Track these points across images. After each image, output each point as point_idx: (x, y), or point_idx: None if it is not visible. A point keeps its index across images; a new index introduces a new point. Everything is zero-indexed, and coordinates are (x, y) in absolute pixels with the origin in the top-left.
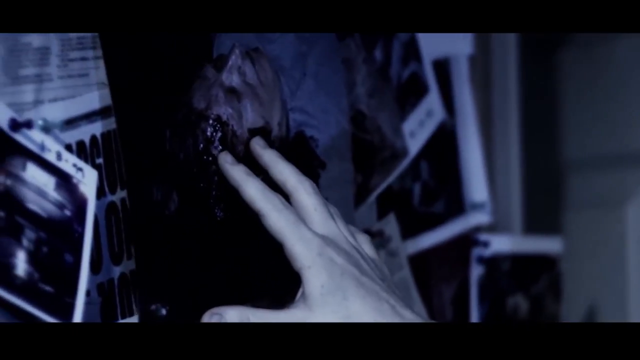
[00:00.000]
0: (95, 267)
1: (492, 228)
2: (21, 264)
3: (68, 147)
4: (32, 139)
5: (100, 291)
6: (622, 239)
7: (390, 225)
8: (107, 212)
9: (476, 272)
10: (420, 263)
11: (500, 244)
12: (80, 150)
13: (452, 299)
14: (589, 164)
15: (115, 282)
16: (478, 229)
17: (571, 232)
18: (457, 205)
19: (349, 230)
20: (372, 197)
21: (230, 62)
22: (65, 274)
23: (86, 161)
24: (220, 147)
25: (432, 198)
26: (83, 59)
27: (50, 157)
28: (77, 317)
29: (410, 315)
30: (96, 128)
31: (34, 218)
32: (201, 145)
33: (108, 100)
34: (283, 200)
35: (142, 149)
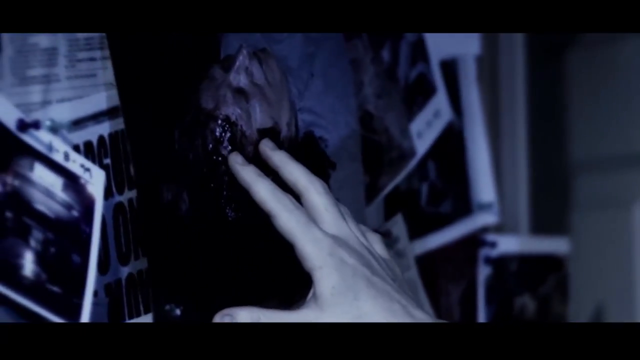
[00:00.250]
0: (102, 268)
1: (499, 228)
2: (29, 265)
3: (76, 148)
4: (39, 139)
5: (108, 292)
6: (629, 240)
7: (398, 226)
8: (115, 213)
9: (483, 272)
10: (428, 263)
11: (508, 244)
12: (88, 150)
13: (460, 299)
14: (597, 164)
15: (123, 282)
16: (485, 229)
17: (578, 233)
18: (464, 205)
19: (360, 230)
20: (380, 197)
21: (237, 63)
22: (72, 275)
23: (94, 162)
24: (230, 148)
25: (440, 198)
26: (91, 59)
27: (58, 157)
28: (85, 317)
29: (421, 315)
30: (104, 128)
31: (41, 218)
32: (210, 146)
33: (115, 101)
34: (294, 200)
35: (151, 150)
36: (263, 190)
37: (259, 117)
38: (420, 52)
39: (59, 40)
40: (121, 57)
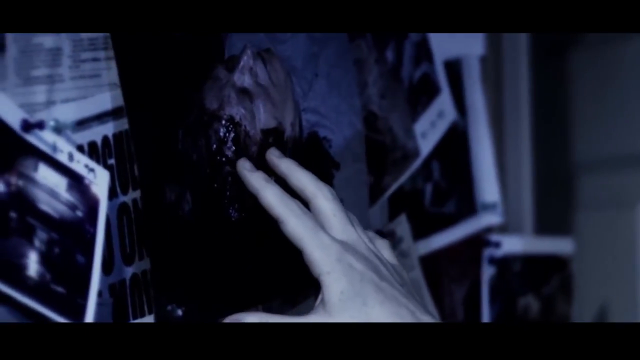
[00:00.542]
0: (107, 268)
1: (503, 228)
2: (33, 265)
3: (80, 148)
4: (44, 139)
5: (112, 292)
6: (633, 240)
7: (402, 226)
8: (119, 213)
9: (487, 272)
10: (432, 263)
11: (512, 244)
12: (92, 151)
13: (463, 299)
14: (600, 164)
15: (127, 282)
16: (489, 229)
17: (582, 233)
18: (468, 205)
19: (367, 236)
20: (384, 197)
21: (241, 63)
22: (77, 275)
23: (98, 162)
24: (233, 148)
25: (444, 199)
26: (95, 59)
27: (62, 157)
28: (89, 317)
29: (429, 320)
30: (108, 129)
31: (45, 219)
32: (214, 146)
33: (120, 101)
34: (301, 206)
35: (155, 150)
36: (271, 196)
37: (263, 117)
38: (424, 53)
39: (63, 41)
40: (125, 57)
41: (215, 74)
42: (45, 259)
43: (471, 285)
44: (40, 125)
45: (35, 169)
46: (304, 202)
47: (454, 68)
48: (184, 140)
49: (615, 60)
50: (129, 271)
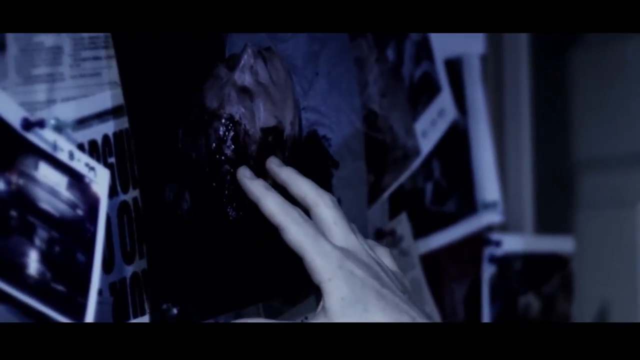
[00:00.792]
0: (107, 267)
1: (503, 227)
2: (33, 264)
3: (80, 147)
4: (44, 138)
5: (113, 290)
6: (633, 239)
7: (402, 225)
8: (120, 212)
9: (488, 271)
10: (432, 262)
11: (512, 243)
12: (93, 149)
13: (464, 298)
14: (601, 163)
15: (128, 281)
16: (490, 228)
17: (583, 232)
18: (469, 204)
19: (368, 244)
20: (384, 196)
21: (242, 62)
22: (77, 274)
23: (98, 160)
24: (233, 147)
25: (444, 197)
26: (95, 58)
27: (63, 156)
28: (90, 316)
29: None
30: (108, 127)
31: (46, 217)
32: (214, 145)
33: (120, 100)
34: (302, 213)
35: (155, 149)
36: (272, 204)
37: (263, 116)
38: (424, 51)
39: (64, 39)
40: (126, 56)
41: (215, 73)
42: (45, 258)
43: (472, 284)
44: (41, 123)
45: (36, 167)
46: (305, 210)
47: (454, 67)
48: (184, 139)
49: (616, 60)
50: (129, 270)
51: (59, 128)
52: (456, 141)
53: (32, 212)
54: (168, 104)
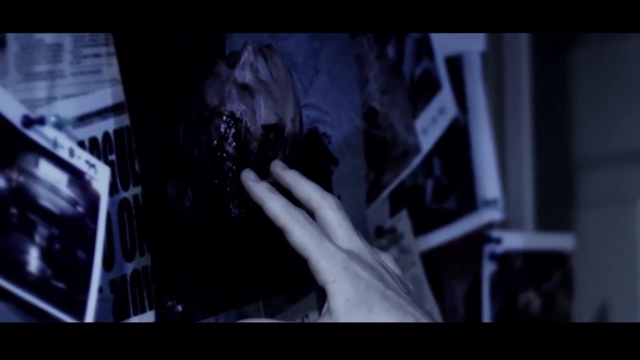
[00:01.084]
0: (107, 264)
1: (504, 225)
2: (34, 261)
3: (81, 144)
4: (44, 135)
5: (113, 288)
6: (633, 236)
7: (403, 222)
8: (120, 209)
9: (488, 268)
10: (433, 260)
11: (513, 240)
12: (93, 146)
13: (464, 295)
14: (601, 161)
15: (128, 278)
16: (490, 225)
17: (583, 229)
18: (469, 202)
19: (372, 249)
20: (385, 194)
21: (242, 59)
22: (77, 271)
23: (99, 158)
24: (234, 144)
25: (445, 195)
26: (95, 55)
27: (63, 153)
28: (90, 313)
29: None
30: (109, 124)
31: (46, 215)
32: (215, 142)
33: (120, 97)
34: (307, 215)
35: (156, 146)
36: (276, 206)
37: (264, 113)
38: (425, 49)
39: (64, 37)
40: (126, 53)
41: (216, 70)
42: (45, 255)
43: (472, 281)
44: (41, 121)
45: (36, 164)
46: (309, 213)
47: (455, 64)
48: (184, 136)
49: (616, 58)
50: (129, 267)
51: (59, 125)
52: (456, 139)
53: (32, 210)
54: (168, 102)
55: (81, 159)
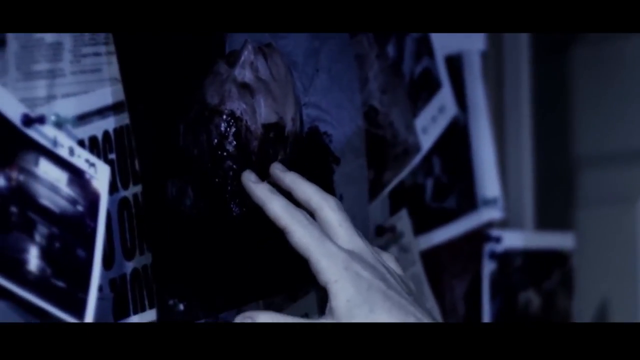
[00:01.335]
0: (107, 263)
1: (504, 224)
2: (34, 260)
3: (80, 143)
4: (44, 134)
5: (113, 287)
6: (633, 235)
7: (403, 221)
8: (120, 208)
9: (488, 267)
10: (433, 258)
11: (513, 239)
12: (93, 145)
13: (464, 294)
14: (601, 160)
15: (128, 277)
16: (490, 224)
17: (583, 228)
18: (469, 200)
19: (373, 248)
20: (385, 192)
21: (242, 58)
22: (77, 270)
23: (99, 157)
24: (235, 143)
25: (445, 194)
26: (95, 54)
27: (63, 152)
28: (90, 312)
29: None
30: (109, 123)
31: (46, 213)
32: (215, 141)
33: (120, 96)
34: (308, 216)
35: (156, 145)
36: (277, 207)
37: (264, 112)
38: (425, 48)
39: (64, 36)
40: (126, 52)
41: (216, 69)
42: (45, 254)
43: (472, 280)
44: (41, 119)
45: (36, 163)
46: (310, 214)
47: (455, 63)
48: (185, 135)
49: (616, 57)
50: (129, 266)
51: (59, 124)
52: (456, 137)
53: (32, 208)
54: (168, 101)
55: (81, 158)
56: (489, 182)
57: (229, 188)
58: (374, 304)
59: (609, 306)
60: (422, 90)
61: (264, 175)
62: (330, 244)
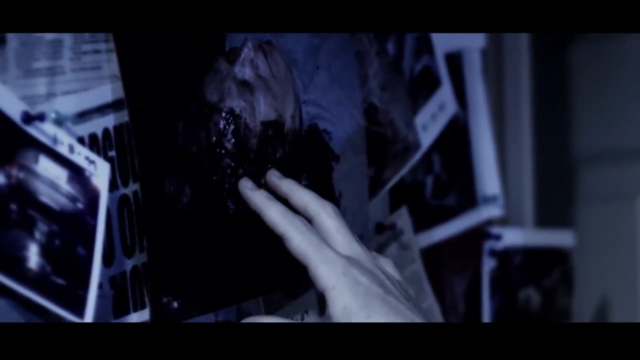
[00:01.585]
0: (107, 260)
1: (504, 221)
2: (34, 257)
3: (80, 140)
4: (44, 131)
5: (113, 284)
6: (633, 233)
7: (403, 219)
8: (120, 205)
9: (488, 265)
10: (433, 256)
11: (512, 237)
12: (93, 143)
13: (464, 292)
14: (601, 157)
15: (128, 275)
16: (490, 222)
17: (583, 226)
18: (469, 198)
19: (371, 254)
20: (385, 190)
21: (242, 55)
22: (77, 267)
23: (98, 154)
24: (233, 140)
25: (445, 191)
26: (95, 51)
27: (63, 150)
28: (90, 310)
29: None
30: (108, 121)
31: (46, 211)
32: (214, 138)
33: (120, 93)
34: (305, 222)
35: (155, 143)
36: (274, 213)
37: (263, 109)
38: (425, 45)
39: (64, 34)
40: (126, 49)
41: (215, 67)
42: (45, 251)
43: (472, 277)
44: (41, 117)
45: (36, 161)
46: (307, 220)
47: (455, 61)
48: (184, 133)
49: (616, 54)
50: (129, 263)
51: (59, 121)
52: (456, 135)
53: (32, 206)
54: (168, 98)
55: (81, 155)
56: (488, 179)
57: (227, 186)
58: (372, 309)
59: (608, 304)
60: (422, 87)
61: (263, 173)
62: (328, 250)
